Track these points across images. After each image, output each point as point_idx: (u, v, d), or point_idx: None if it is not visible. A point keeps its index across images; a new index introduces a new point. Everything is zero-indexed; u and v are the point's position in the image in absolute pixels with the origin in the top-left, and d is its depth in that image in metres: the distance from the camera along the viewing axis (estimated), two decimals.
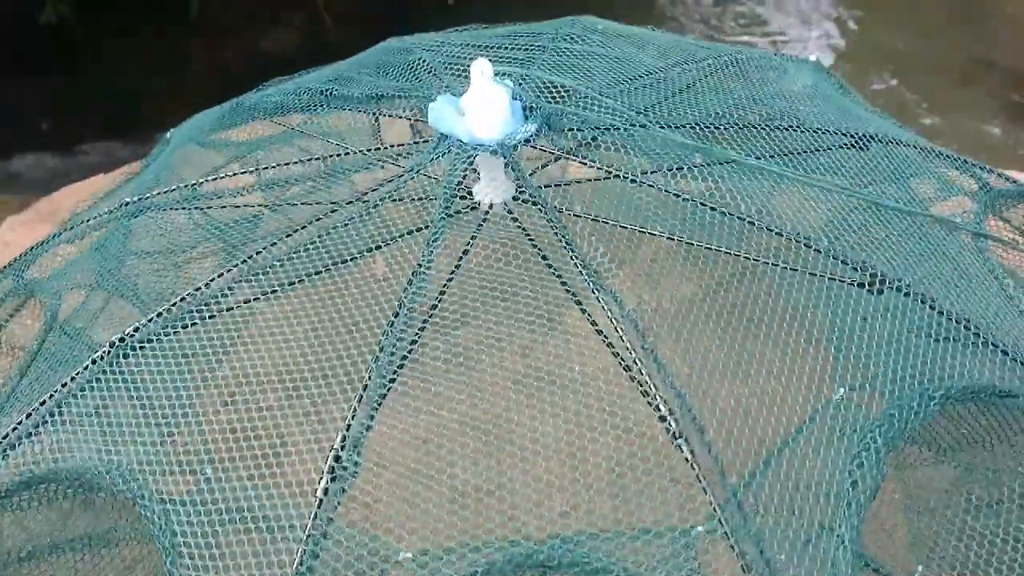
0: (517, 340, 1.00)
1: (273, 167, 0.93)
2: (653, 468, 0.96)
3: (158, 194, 0.86)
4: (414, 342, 0.79)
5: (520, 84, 0.80)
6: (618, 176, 0.73)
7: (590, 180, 0.84)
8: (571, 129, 0.77)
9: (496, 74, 0.81)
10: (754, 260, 0.71)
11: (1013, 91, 3.32)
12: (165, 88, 4.08)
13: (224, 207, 0.93)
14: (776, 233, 0.68)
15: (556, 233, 0.68)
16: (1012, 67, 3.48)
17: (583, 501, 1.00)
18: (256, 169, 0.95)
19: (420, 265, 0.71)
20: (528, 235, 0.75)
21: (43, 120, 4.09)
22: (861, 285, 0.65)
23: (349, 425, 0.67)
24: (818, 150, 0.81)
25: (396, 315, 0.75)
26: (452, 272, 0.92)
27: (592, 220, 0.79)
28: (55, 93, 4.06)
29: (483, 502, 1.10)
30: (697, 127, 0.78)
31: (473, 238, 0.89)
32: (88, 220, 0.85)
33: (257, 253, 0.81)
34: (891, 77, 3.61)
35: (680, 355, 0.66)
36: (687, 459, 0.57)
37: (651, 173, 0.77)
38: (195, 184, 0.87)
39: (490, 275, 0.98)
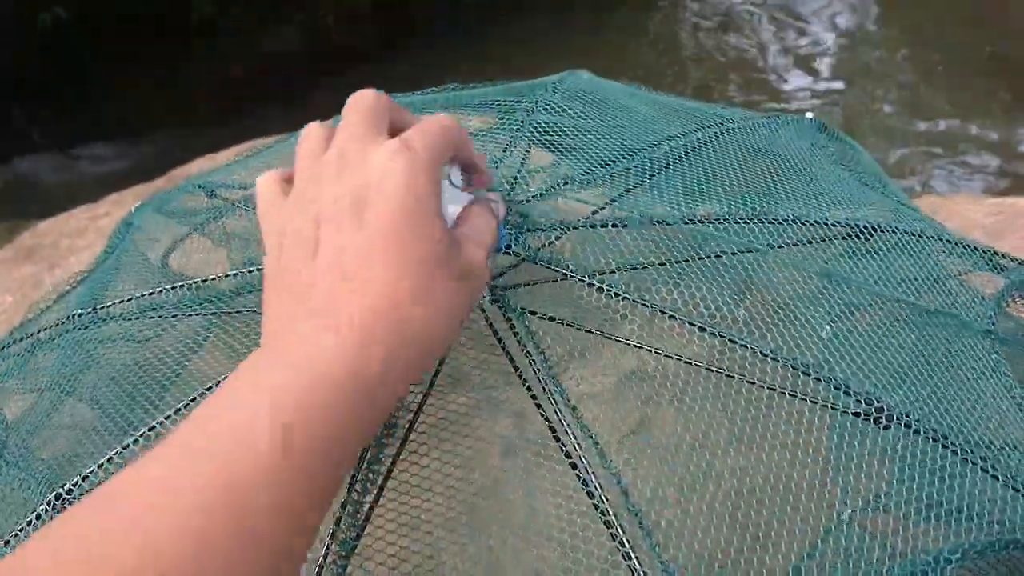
0: (509, 405, 0.95)
1: (250, 271, 0.87)
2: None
3: (115, 304, 0.81)
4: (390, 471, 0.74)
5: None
6: (575, 278, 0.68)
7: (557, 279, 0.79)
8: (542, 229, 0.72)
9: None
10: (738, 377, 0.66)
11: (1010, 90, 3.24)
12: (163, 91, 4.04)
13: (200, 309, 0.88)
14: (772, 358, 0.62)
15: (533, 366, 0.63)
16: None
17: None
18: (237, 273, 0.89)
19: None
20: (506, 350, 0.70)
21: (35, 126, 4.05)
22: (866, 418, 0.59)
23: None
24: (813, 241, 0.76)
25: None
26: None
27: (566, 326, 0.74)
28: (49, 97, 4.03)
29: None
30: (677, 223, 0.73)
31: None
32: (37, 332, 0.80)
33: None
34: (911, 77, 3.54)
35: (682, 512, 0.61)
36: None
37: (611, 273, 0.71)
38: (158, 291, 0.82)
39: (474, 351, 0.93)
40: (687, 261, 0.77)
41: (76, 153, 3.73)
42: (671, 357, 0.66)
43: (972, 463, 0.57)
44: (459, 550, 1.08)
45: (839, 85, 3.59)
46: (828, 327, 0.77)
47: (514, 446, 0.95)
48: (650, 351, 0.68)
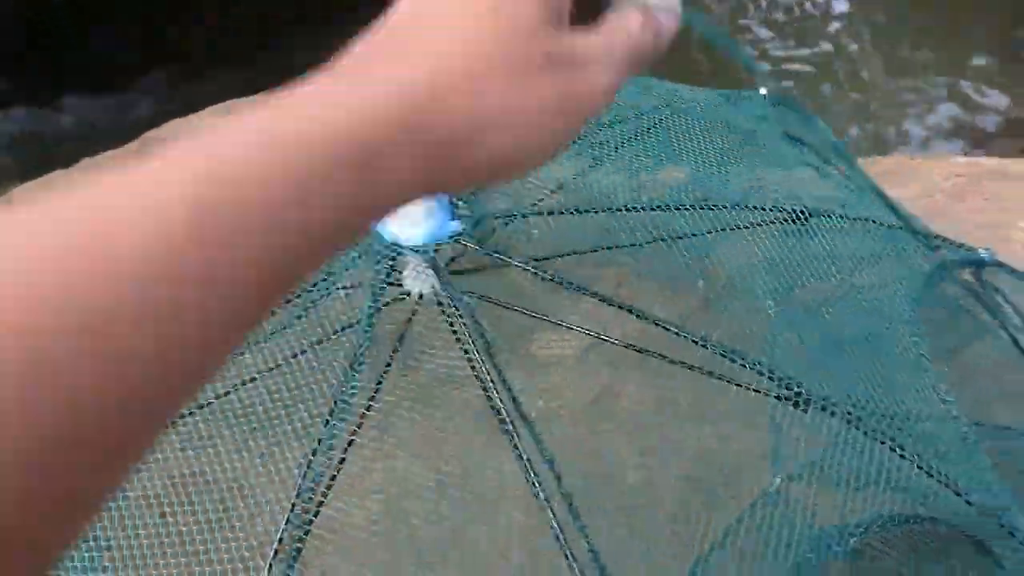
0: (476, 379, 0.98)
1: None
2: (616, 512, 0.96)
3: None
4: (342, 461, 0.78)
5: None
6: (513, 265, 0.71)
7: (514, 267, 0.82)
8: (495, 216, 0.75)
9: None
10: (670, 361, 0.70)
11: (1016, 28, 3.22)
12: (145, 45, 3.96)
13: None
14: (701, 344, 0.66)
15: (474, 347, 0.66)
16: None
17: (544, 551, 1.00)
18: None
19: (342, 393, 0.69)
20: (457, 338, 0.74)
21: (11, 75, 3.96)
22: (787, 401, 0.63)
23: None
24: (752, 226, 0.79)
25: (327, 421, 0.75)
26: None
27: (509, 309, 0.77)
28: (23, 53, 3.94)
29: (446, 558, 1.10)
30: (620, 210, 0.76)
31: (410, 320, 0.88)
32: None
33: None
34: (895, 34, 3.50)
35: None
36: None
37: (549, 259, 0.75)
38: None
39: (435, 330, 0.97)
40: (634, 246, 0.80)
41: (50, 111, 3.67)
42: (605, 339, 0.69)
43: (881, 443, 0.62)
44: (430, 517, 1.13)
45: (823, 43, 3.55)
46: (771, 303, 0.80)
47: (482, 415, 0.99)
48: (590, 334, 0.71)
